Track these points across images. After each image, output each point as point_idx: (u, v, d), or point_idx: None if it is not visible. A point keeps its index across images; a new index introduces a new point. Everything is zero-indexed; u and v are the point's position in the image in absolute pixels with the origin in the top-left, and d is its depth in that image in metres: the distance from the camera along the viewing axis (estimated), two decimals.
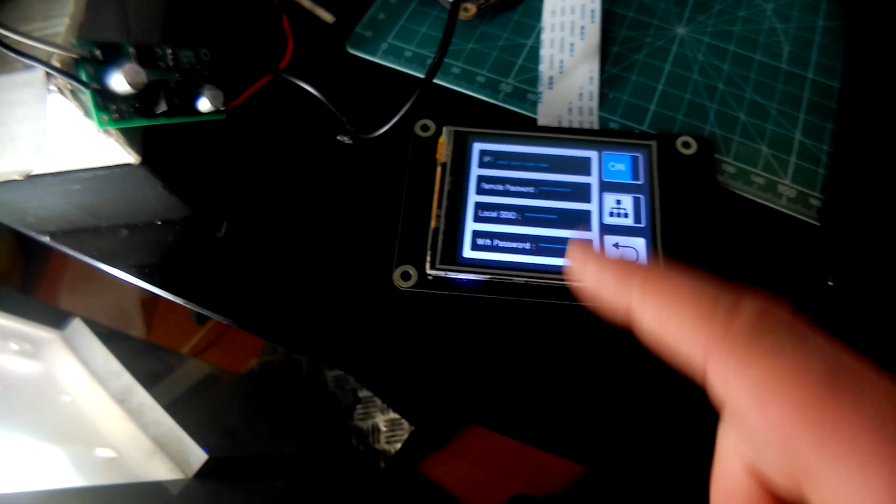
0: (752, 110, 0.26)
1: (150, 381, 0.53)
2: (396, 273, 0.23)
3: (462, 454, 0.76)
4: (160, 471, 0.46)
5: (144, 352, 0.66)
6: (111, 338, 0.55)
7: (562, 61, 0.26)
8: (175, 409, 0.51)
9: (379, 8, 0.29)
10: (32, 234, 0.26)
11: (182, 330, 0.83)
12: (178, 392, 0.59)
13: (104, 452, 0.44)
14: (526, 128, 0.25)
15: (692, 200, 0.23)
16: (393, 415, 0.75)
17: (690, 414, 0.21)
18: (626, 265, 0.13)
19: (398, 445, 0.73)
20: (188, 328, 0.83)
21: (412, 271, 0.23)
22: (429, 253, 0.22)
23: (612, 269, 0.14)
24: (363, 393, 0.76)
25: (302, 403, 0.76)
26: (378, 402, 0.75)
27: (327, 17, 0.29)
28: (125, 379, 0.51)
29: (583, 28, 0.26)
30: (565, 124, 0.25)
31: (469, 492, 0.74)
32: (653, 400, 0.21)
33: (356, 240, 0.24)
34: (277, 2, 0.29)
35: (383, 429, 0.74)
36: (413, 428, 0.74)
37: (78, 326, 0.54)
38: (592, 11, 0.26)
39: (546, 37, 0.27)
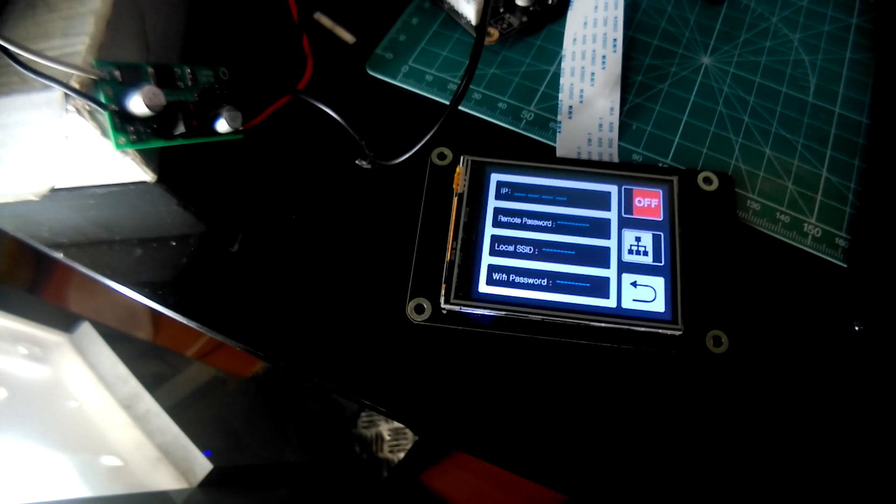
0: (777, 145, 0.25)
1: (155, 383, 0.53)
2: (410, 306, 0.23)
3: (465, 466, 0.75)
4: (165, 479, 0.46)
5: (150, 354, 0.67)
6: (117, 340, 0.55)
7: (582, 91, 0.26)
8: (179, 411, 0.51)
9: (400, 30, 0.29)
10: (46, 249, 0.26)
11: (188, 332, 0.83)
12: (182, 395, 0.59)
13: (110, 461, 0.44)
14: (545, 159, 0.24)
15: (714, 238, 0.23)
16: (397, 424, 0.74)
17: (698, 458, 0.21)
18: None
19: (401, 455, 0.73)
20: (194, 331, 0.83)
21: (426, 304, 0.23)
22: (443, 286, 0.22)
23: None
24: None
25: (306, 410, 0.76)
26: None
27: (348, 37, 0.29)
28: (132, 385, 0.51)
29: (604, 57, 0.26)
30: (584, 156, 0.25)
31: (470, 503, 0.74)
32: (666, 442, 0.21)
33: (371, 268, 0.24)
34: (298, 21, 0.29)
35: (387, 437, 0.74)
36: (417, 438, 0.74)
37: (86, 330, 0.54)
38: (615, 41, 0.26)
39: (566, 65, 0.26)
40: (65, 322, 0.54)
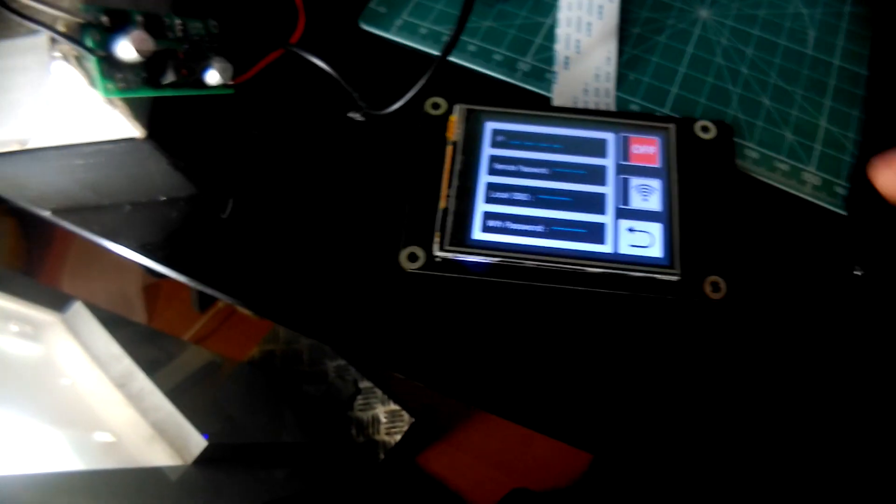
0: (776, 96, 0.25)
1: (150, 367, 0.52)
2: (403, 254, 0.22)
3: (461, 447, 0.75)
4: (159, 456, 0.46)
5: (145, 338, 0.66)
6: (112, 323, 0.54)
7: (578, 41, 0.25)
8: (175, 395, 0.50)
9: None
10: (34, 208, 0.26)
11: (183, 317, 0.83)
12: (178, 379, 0.59)
13: (103, 436, 0.44)
14: (541, 107, 0.24)
15: (711, 186, 0.23)
16: (393, 406, 0.74)
17: (697, 405, 0.20)
18: None
19: (398, 437, 0.73)
20: (189, 315, 0.83)
21: (419, 253, 0.22)
22: (437, 234, 0.22)
23: None
24: (364, 384, 0.76)
25: (302, 393, 0.76)
26: (379, 393, 0.75)
27: None
28: (126, 363, 0.50)
29: (601, 7, 0.26)
30: (581, 105, 0.25)
31: (468, 485, 0.74)
32: (662, 390, 0.21)
33: (363, 220, 0.24)
34: None
35: (383, 420, 0.74)
36: (413, 420, 0.73)
37: (79, 310, 0.54)
38: None
39: (563, 15, 0.26)
40: (57, 302, 0.53)
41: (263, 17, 0.28)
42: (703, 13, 0.27)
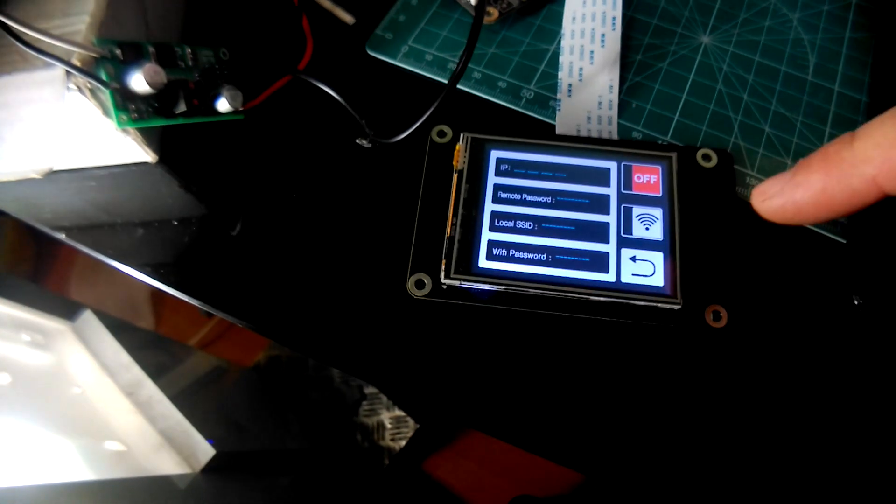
0: (777, 122, 0.25)
1: (157, 372, 0.53)
2: (410, 281, 0.23)
3: (466, 453, 0.76)
4: (168, 465, 0.46)
5: (152, 343, 0.67)
6: (119, 329, 0.55)
7: (581, 69, 0.26)
8: (181, 401, 0.51)
9: (399, 10, 0.29)
10: (48, 230, 0.26)
11: (190, 322, 0.84)
12: (184, 384, 0.60)
13: (113, 445, 0.45)
14: (544, 136, 0.24)
15: (713, 214, 0.23)
16: (398, 412, 0.75)
17: (698, 433, 0.21)
18: (821, 158, 0.15)
19: (403, 443, 0.74)
20: (196, 321, 0.84)
21: (426, 280, 0.23)
22: (443, 262, 0.22)
23: (817, 167, 0.15)
24: (369, 390, 0.76)
25: (308, 399, 0.76)
26: (384, 399, 0.76)
27: (347, 18, 0.29)
28: (135, 372, 0.51)
29: (603, 36, 0.26)
30: (584, 133, 0.25)
31: (472, 491, 0.74)
32: (663, 417, 0.21)
33: (371, 245, 0.24)
34: (297, 2, 0.29)
35: (388, 426, 0.74)
36: (418, 426, 0.74)
37: (88, 318, 0.54)
38: (613, 19, 0.26)
39: (566, 43, 0.26)
40: (67, 310, 0.54)
41: (272, 43, 0.28)
42: (705, 39, 0.27)
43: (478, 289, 0.22)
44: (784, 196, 0.16)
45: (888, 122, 0.13)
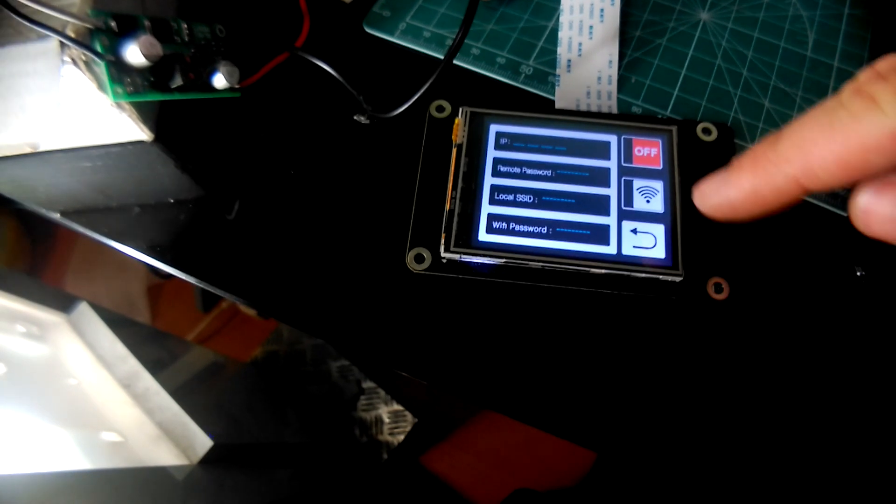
0: (776, 97, 0.25)
1: (154, 367, 0.52)
2: (410, 255, 0.22)
3: (465, 447, 0.75)
4: (165, 456, 0.46)
5: (149, 338, 0.66)
6: (117, 323, 0.54)
7: (580, 44, 0.26)
8: (179, 396, 0.51)
9: None
10: (43, 210, 0.26)
11: (187, 318, 0.83)
12: (182, 379, 0.59)
13: (110, 436, 0.44)
14: (544, 110, 0.24)
15: None
16: (396, 406, 0.75)
17: (700, 405, 0.21)
18: (750, 159, 0.15)
19: (401, 437, 0.73)
20: (193, 316, 0.83)
21: (426, 254, 0.22)
22: (443, 235, 0.22)
23: (748, 168, 0.15)
24: (367, 384, 0.76)
25: (306, 393, 0.76)
26: (382, 393, 0.75)
27: None
28: (131, 364, 0.51)
29: (602, 11, 0.26)
30: (583, 108, 0.25)
31: (471, 485, 0.74)
32: (665, 389, 0.21)
33: (370, 221, 0.24)
34: None
35: (386, 420, 0.74)
36: (416, 420, 0.74)
37: (84, 310, 0.54)
38: None
39: (565, 19, 0.26)
40: (62, 302, 0.54)
41: (269, 20, 0.28)
42: (704, 15, 0.27)
43: (478, 262, 0.22)
44: (720, 195, 0.16)
45: (807, 124, 0.13)
